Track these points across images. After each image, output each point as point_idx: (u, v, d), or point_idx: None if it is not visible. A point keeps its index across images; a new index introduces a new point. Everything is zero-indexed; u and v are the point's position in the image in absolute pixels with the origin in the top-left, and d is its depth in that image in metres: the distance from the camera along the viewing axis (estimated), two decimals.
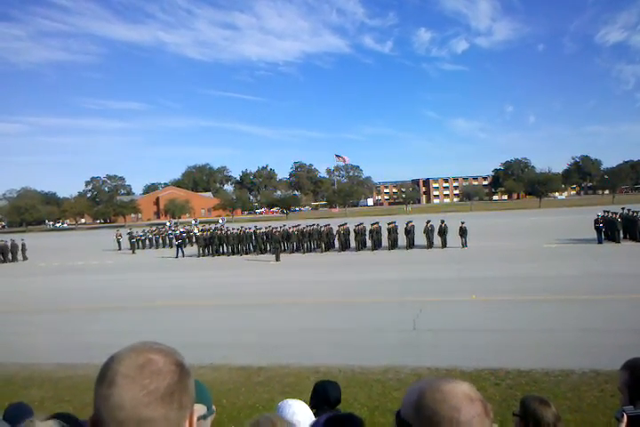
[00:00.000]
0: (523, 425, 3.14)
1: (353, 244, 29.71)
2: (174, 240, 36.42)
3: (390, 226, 28.82)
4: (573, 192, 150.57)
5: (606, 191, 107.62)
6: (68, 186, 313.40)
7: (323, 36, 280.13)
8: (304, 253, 29.77)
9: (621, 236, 26.09)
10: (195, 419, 1.14)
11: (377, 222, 30.16)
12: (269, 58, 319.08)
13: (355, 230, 29.67)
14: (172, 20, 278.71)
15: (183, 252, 31.99)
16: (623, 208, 27.47)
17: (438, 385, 1.22)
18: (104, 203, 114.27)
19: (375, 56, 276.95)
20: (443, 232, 27.52)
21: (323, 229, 30.58)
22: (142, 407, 1.01)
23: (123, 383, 1.02)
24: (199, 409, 2.32)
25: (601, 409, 6.33)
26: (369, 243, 29.24)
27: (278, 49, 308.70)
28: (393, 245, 28.59)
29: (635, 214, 26.19)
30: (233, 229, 33.08)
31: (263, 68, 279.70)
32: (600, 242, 25.46)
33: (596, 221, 26.09)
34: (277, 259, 26.01)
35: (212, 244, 32.16)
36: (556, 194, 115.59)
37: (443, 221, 28.01)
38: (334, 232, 30.63)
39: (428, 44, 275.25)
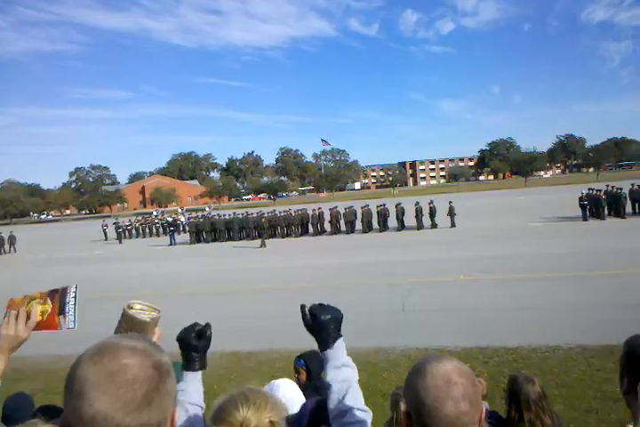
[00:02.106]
0: (509, 402, 3.19)
1: (343, 227, 29.80)
2: (168, 228, 36.11)
3: (380, 208, 28.91)
4: (559, 170, 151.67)
5: (591, 169, 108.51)
6: (53, 177, 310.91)
7: (309, 19, 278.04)
8: (297, 236, 29.85)
9: (606, 213, 26.40)
10: (176, 418, 1.05)
11: (367, 205, 30.21)
12: (255, 43, 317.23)
13: (344, 214, 29.71)
14: (156, 7, 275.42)
15: (175, 239, 31.93)
16: (607, 185, 27.73)
17: (424, 365, 1.24)
18: (89, 193, 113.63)
19: (361, 39, 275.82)
20: (432, 213, 27.74)
21: (312, 213, 30.63)
22: (118, 419, 0.90)
23: (94, 395, 0.91)
24: None
25: (587, 383, 6.43)
26: (359, 226, 29.36)
27: (264, 33, 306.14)
28: (383, 227, 28.73)
29: (619, 191, 26.45)
30: (226, 215, 33.03)
31: (249, 53, 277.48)
32: (585, 219, 25.74)
33: (581, 199, 26.38)
34: (263, 244, 25.95)
35: (204, 231, 32.14)
36: (542, 173, 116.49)
37: (431, 202, 28.19)
38: (325, 216, 30.66)
39: (415, 26, 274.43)
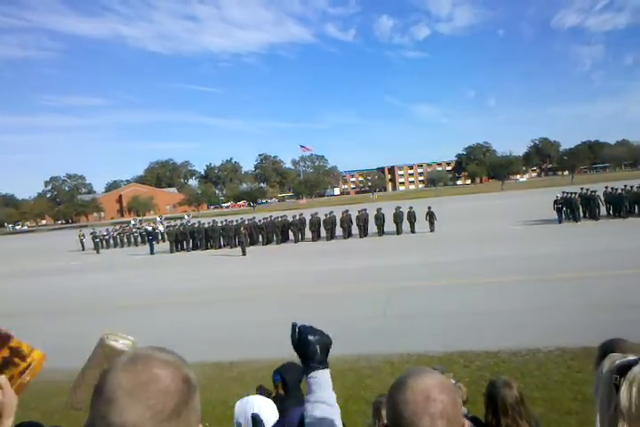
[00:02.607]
0: (487, 406, 3.23)
1: (324, 233, 29.83)
2: (146, 237, 35.63)
3: (360, 213, 29.03)
4: (534, 174, 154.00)
5: (566, 172, 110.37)
6: (27, 187, 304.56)
7: (286, 25, 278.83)
8: (278, 243, 29.79)
9: (581, 215, 26.86)
10: None
11: (347, 211, 30.26)
12: (232, 49, 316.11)
13: (324, 220, 29.75)
14: (130, 13, 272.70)
15: (154, 248, 31.61)
16: (582, 188, 28.22)
17: (405, 380, 1.24)
18: (65, 203, 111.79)
19: (338, 45, 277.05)
20: (411, 218, 27.93)
21: (293, 219, 30.61)
22: None
23: (125, 402, 0.90)
24: None
25: (567, 385, 6.52)
26: (339, 232, 29.38)
27: (241, 40, 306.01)
28: (364, 232, 28.84)
29: (593, 194, 26.95)
30: (205, 223, 32.80)
31: (226, 59, 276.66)
32: (560, 222, 26.19)
33: (556, 202, 26.83)
34: (244, 253, 25.81)
35: (185, 240, 31.90)
36: (518, 176, 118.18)
37: (411, 207, 28.42)
38: (306, 222, 30.60)
39: (390, 32, 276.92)
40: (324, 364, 1.68)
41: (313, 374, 1.65)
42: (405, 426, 1.17)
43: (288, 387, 3.60)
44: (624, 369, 1.44)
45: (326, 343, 1.70)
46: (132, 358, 0.98)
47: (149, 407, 0.90)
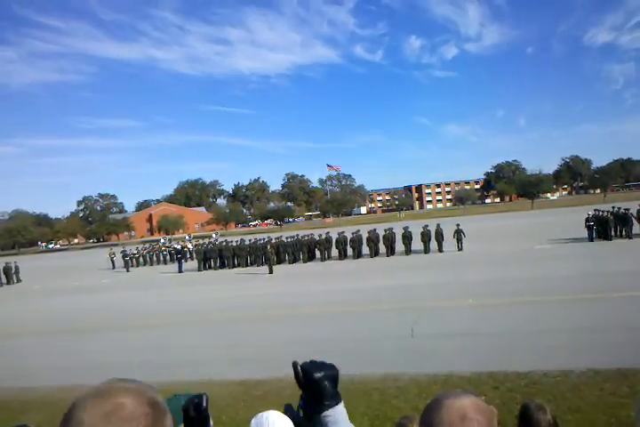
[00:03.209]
0: None
1: (350, 252, 29.74)
2: (175, 255, 36.19)
3: (387, 233, 28.91)
4: (565, 192, 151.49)
5: (597, 190, 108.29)
6: (60, 206, 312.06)
7: (314, 47, 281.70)
8: (305, 262, 29.83)
9: (613, 233, 26.26)
10: None
11: (374, 229, 30.16)
12: (261, 71, 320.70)
13: (351, 239, 29.70)
14: (163, 37, 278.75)
15: (182, 266, 31.93)
16: (614, 206, 27.65)
17: (441, 400, 1.24)
18: (96, 222, 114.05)
19: (366, 65, 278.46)
20: (439, 236, 27.68)
21: (318, 238, 30.68)
22: None
23: None
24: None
25: (601, 408, 6.31)
26: (366, 250, 29.23)
27: (270, 62, 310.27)
28: (391, 251, 28.71)
29: (625, 212, 26.36)
30: (233, 241, 33.08)
31: (255, 81, 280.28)
32: (591, 240, 25.64)
33: (587, 220, 26.31)
34: (270, 271, 25.88)
35: (212, 258, 32.21)
36: (548, 195, 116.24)
37: (438, 225, 28.18)
38: (332, 241, 30.56)
39: (419, 52, 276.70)
40: (336, 398, 1.51)
41: (327, 412, 1.49)
42: None
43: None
44: None
45: (334, 375, 1.54)
46: (95, 391, 0.98)
47: None
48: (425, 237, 27.89)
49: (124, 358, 11.11)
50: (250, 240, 32.21)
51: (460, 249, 26.95)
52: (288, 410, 4.21)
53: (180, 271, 31.21)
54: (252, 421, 3.28)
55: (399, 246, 28.71)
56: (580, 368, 7.77)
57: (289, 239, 31.47)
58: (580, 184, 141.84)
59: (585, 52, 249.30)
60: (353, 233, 29.81)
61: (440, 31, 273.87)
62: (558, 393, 6.91)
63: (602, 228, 26.45)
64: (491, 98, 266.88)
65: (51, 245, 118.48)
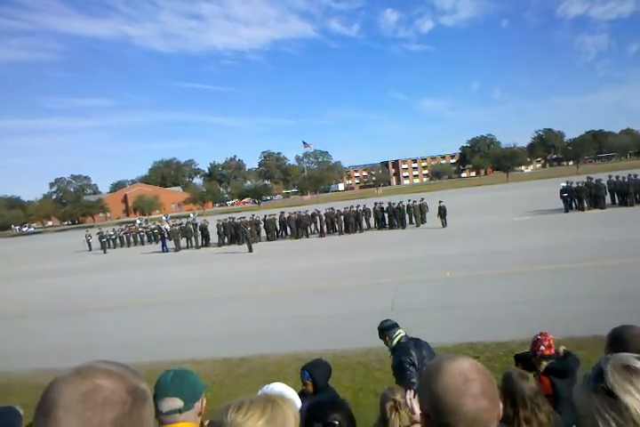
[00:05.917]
0: (504, 399, 3.19)
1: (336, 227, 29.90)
2: (158, 235, 36.40)
3: (377, 207, 29.34)
4: (539, 165, 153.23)
5: (570, 162, 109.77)
6: (33, 188, 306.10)
7: (289, 21, 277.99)
8: (295, 238, 29.93)
9: (586, 204, 26.76)
10: None
11: (359, 205, 30.37)
12: (236, 46, 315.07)
13: (336, 214, 29.86)
14: (136, 13, 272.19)
15: (167, 246, 31.72)
16: (587, 177, 28.07)
17: (439, 365, 1.25)
18: (70, 204, 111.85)
19: (342, 40, 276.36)
20: (422, 211, 28.39)
21: (304, 214, 30.78)
22: None
23: (60, 416, 0.87)
24: (173, 403, 2.27)
25: None
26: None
27: (245, 37, 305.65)
28: (380, 226, 29.30)
29: (598, 183, 26.83)
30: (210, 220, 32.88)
31: (229, 57, 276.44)
32: (566, 211, 26.12)
33: (562, 192, 26.73)
34: (250, 249, 25.79)
35: (190, 237, 32.10)
36: (523, 168, 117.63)
37: (422, 199, 29.07)
38: (317, 217, 30.69)
39: (395, 25, 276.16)
40: None
41: None
42: (447, 410, 1.17)
43: (317, 385, 3.55)
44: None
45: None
46: (75, 371, 0.95)
47: (86, 420, 0.88)
48: (405, 212, 28.58)
49: (106, 340, 11.03)
50: (228, 219, 32.02)
51: (444, 225, 25.91)
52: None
53: (165, 251, 31.00)
54: (259, 392, 3.27)
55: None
56: (558, 336, 7.93)
57: (269, 216, 31.32)
58: (554, 156, 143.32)
59: (558, 24, 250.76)
60: (328, 209, 30.33)
61: (416, 4, 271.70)
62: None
63: (576, 199, 26.93)
64: (466, 71, 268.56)
65: (24, 229, 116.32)
